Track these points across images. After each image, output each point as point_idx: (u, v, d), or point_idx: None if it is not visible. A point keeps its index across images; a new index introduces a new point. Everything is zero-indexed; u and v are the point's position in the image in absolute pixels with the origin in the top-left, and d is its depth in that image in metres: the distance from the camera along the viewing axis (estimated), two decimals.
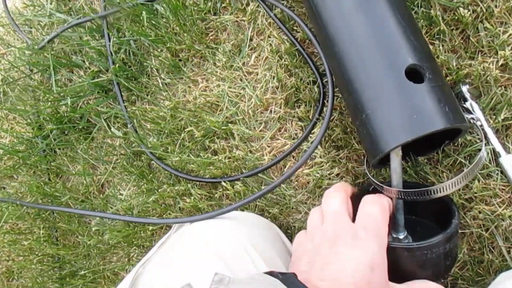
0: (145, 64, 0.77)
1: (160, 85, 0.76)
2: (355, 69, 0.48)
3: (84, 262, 0.80)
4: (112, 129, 0.77)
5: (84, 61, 0.82)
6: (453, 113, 0.45)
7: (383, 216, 0.47)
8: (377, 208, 0.48)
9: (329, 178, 0.62)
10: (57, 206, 0.83)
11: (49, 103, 0.84)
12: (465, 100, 0.55)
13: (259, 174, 0.67)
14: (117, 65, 0.76)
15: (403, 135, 0.44)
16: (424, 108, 0.44)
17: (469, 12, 0.54)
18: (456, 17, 0.55)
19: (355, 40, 0.48)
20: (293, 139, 0.66)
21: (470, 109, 0.54)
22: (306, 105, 0.64)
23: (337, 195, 0.51)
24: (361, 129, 0.48)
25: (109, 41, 0.77)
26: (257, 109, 0.68)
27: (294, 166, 0.63)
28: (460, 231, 0.56)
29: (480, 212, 0.54)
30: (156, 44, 0.75)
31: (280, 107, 0.67)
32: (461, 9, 0.54)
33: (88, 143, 0.82)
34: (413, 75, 0.46)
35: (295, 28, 0.66)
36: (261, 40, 0.69)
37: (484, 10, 0.54)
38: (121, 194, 0.79)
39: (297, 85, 0.64)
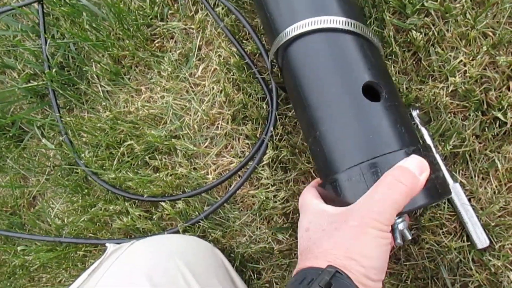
0: (84, 69, 0.71)
1: (101, 93, 0.71)
2: (309, 83, 0.45)
3: (9, 283, 0.73)
4: (44, 140, 0.71)
5: (17, 63, 0.75)
6: (409, 135, 0.43)
7: None
8: None
9: (275, 201, 0.59)
10: None
11: None
12: (415, 125, 0.53)
13: (203, 194, 0.63)
14: (53, 70, 0.70)
15: (358, 156, 0.41)
16: (381, 129, 0.42)
17: (421, 35, 0.52)
18: (409, 39, 0.54)
19: (310, 54, 0.45)
20: (240, 157, 0.63)
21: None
22: (253, 123, 0.61)
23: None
24: (314, 147, 0.45)
25: (46, 44, 0.71)
26: (203, 124, 0.64)
27: (238, 183, 0.60)
28: (406, 262, 0.54)
29: (426, 243, 0.53)
30: (97, 49, 0.70)
31: (227, 123, 0.63)
32: (414, 31, 0.52)
33: (19, 151, 0.75)
34: (370, 93, 0.43)
35: (245, 41, 0.63)
36: (210, 50, 0.65)
37: (436, 34, 0.53)
38: (52, 209, 0.72)
39: (244, 101, 0.60)
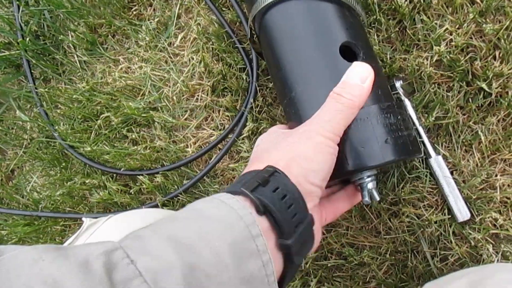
0: (60, 38, 0.68)
1: (77, 63, 0.68)
2: (285, 44, 0.44)
3: None
4: (18, 112, 0.68)
5: None
6: (385, 95, 0.42)
7: None
8: None
9: None
10: None
11: None
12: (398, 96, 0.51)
13: (182, 167, 0.61)
14: (27, 39, 0.67)
15: None
16: None
17: (406, 2, 0.50)
18: (393, 6, 0.52)
19: (288, 18, 0.44)
20: (220, 130, 0.61)
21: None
22: (233, 95, 0.59)
23: None
24: (289, 109, 0.44)
25: (18, 11, 0.68)
26: (182, 96, 0.62)
27: (217, 156, 0.59)
28: (385, 236, 0.53)
29: (407, 216, 0.52)
30: (72, 17, 0.67)
31: (207, 95, 0.61)
32: None
33: None
34: (347, 55, 0.42)
35: (224, 9, 0.60)
36: (190, 18, 0.63)
37: (422, 1, 0.50)
38: (29, 183, 0.71)
39: (224, 72, 0.58)
